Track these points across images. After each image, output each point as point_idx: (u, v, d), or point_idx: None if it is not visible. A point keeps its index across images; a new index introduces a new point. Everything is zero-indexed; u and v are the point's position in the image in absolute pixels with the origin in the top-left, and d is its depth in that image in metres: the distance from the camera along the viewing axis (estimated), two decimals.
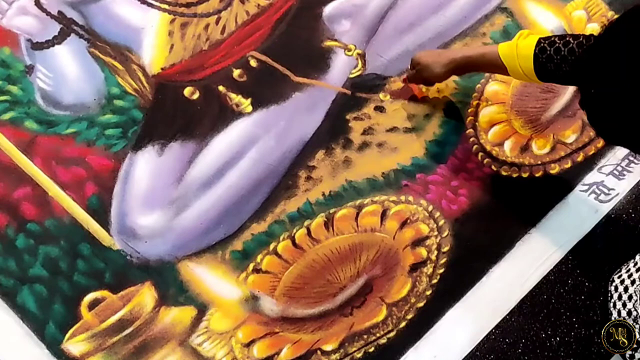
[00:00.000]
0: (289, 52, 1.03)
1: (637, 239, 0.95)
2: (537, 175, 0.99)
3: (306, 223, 0.93)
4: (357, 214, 0.94)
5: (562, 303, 0.91)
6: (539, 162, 1.00)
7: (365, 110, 1.01)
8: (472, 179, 0.98)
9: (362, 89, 1.03)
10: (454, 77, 1.02)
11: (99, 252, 0.89)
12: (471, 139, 1.01)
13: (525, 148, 1.01)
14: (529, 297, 0.91)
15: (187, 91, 1.00)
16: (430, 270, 0.92)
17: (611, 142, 0.70)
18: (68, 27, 1.01)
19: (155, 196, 0.93)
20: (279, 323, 0.88)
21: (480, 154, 1.00)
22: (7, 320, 0.84)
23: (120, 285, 0.88)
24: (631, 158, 1.00)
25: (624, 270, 0.89)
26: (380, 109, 1.02)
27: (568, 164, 1.01)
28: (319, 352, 0.87)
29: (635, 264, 0.88)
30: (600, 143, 1.02)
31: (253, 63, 1.02)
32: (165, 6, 1.04)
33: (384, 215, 0.94)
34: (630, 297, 0.85)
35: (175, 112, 0.98)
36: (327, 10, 1.07)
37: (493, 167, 0.99)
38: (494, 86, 1.04)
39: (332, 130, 0.99)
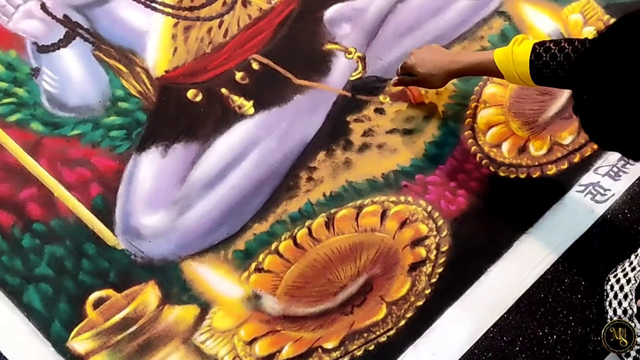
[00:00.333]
0: (290, 55, 1.04)
1: (633, 239, 0.96)
2: (534, 176, 1.00)
3: (307, 223, 0.94)
4: (358, 214, 0.95)
5: (559, 302, 0.91)
6: (536, 163, 1.01)
7: (366, 112, 1.02)
8: (471, 179, 0.98)
9: (363, 91, 1.03)
10: (453, 80, 1.02)
11: (104, 251, 0.89)
12: (469, 141, 1.01)
13: (522, 149, 1.02)
14: (526, 295, 0.91)
15: (190, 93, 1.01)
16: (430, 269, 0.93)
17: (604, 147, 0.70)
18: (73, 30, 1.01)
19: (159, 197, 0.93)
20: (281, 321, 0.88)
21: (479, 155, 1.01)
22: (13, 319, 0.85)
23: (125, 284, 0.88)
24: (627, 159, 1.01)
25: (619, 270, 0.90)
26: (380, 111, 1.03)
27: (565, 165, 1.01)
28: (320, 350, 0.87)
29: (631, 263, 0.88)
30: (596, 145, 1.01)
31: (255, 66, 1.03)
32: (169, 10, 1.05)
33: (383, 215, 0.95)
34: (625, 296, 0.85)
35: (179, 114, 0.99)
36: (328, 13, 1.07)
37: (491, 168, 1.00)
38: (492, 88, 1.05)
39: (333, 132, 1.00)
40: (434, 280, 0.92)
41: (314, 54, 1.05)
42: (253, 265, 0.91)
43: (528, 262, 0.93)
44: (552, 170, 1.01)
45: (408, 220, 0.95)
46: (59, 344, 0.84)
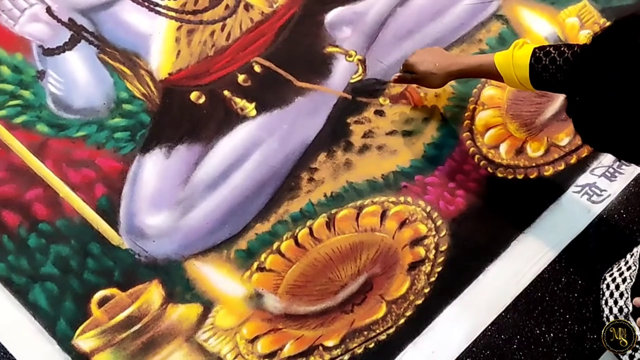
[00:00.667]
0: (291, 58, 1.04)
1: (628, 238, 0.97)
2: (531, 177, 1.01)
3: (308, 223, 0.94)
4: (358, 215, 0.96)
5: (556, 300, 0.92)
6: (534, 164, 1.01)
7: (366, 114, 1.03)
8: (469, 180, 0.99)
9: (363, 93, 1.04)
10: (451, 82, 1.03)
11: (108, 251, 0.90)
12: (468, 142, 1.02)
13: (520, 151, 1.02)
14: (523, 294, 0.92)
15: (193, 96, 1.01)
16: (429, 268, 0.93)
17: (597, 148, 0.71)
18: (78, 33, 1.02)
19: (162, 197, 0.94)
20: (282, 320, 0.89)
21: (477, 156, 1.01)
22: (19, 317, 0.85)
23: (129, 283, 0.88)
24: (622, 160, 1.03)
25: (615, 269, 0.90)
26: (380, 112, 1.03)
27: (561, 166, 1.02)
28: (320, 347, 0.88)
29: (626, 262, 0.89)
30: (588, 146, 1.03)
31: (257, 68, 1.04)
32: (173, 14, 1.05)
33: (383, 215, 0.96)
34: (621, 295, 0.86)
35: (182, 116, 0.99)
36: (329, 17, 1.08)
37: (489, 169, 1.01)
38: (490, 91, 1.06)
39: (334, 134, 1.01)
40: (433, 279, 0.93)
41: (315, 57, 1.05)
42: (255, 265, 0.92)
43: (525, 261, 0.94)
44: (549, 171, 1.01)
45: (407, 221, 0.96)
46: (65, 342, 0.85)
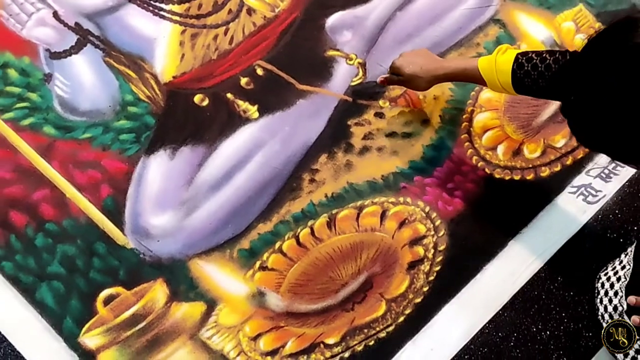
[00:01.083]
0: (293, 61, 1.05)
1: (623, 238, 0.97)
2: (528, 178, 1.01)
3: (310, 223, 0.95)
4: (358, 215, 0.96)
5: (552, 299, 0.92)
6: (530, 166, 1.02)
7: (366, 117, 1.04)
8: (467, 181, 1.00)
9: (363, 96, 1.05)
10: (450, 85, 1.04)
11: (114, 250, 0.90)
12: (466, 144, 1.03)
13: (517, 152, 1.03)
14: (520, 293, 0.92)
15: (197, 98, 1.02)
16: (427, 267, 0.94)
17: (591, 148, 0.71)
18: (84, 37, 1.02)
19: (166, 198, 0.94)
20: (284, 318, 0.90)
21: (475, 157, 1.02)
22: (26, 316, 0.86)
23: (134, 282, 0.89)
24: (617, 161, 1.02)
25: (610, 268, 0.91)
26: (379, 115, 1.04)
27: (558, 167, 1.03)
28: (321, 345, 0.88)
29: (621, 262, 0.89)
30: (582, 145, 1.04)
31: (259, 72, 1.04)
32: (177, 18, 1.06)
33: (383, 215, 0.96)
34: (616, 293, 0.86)
35: (186, 118, 1.00)
36: (330, 21, 1.09)
37: (487, 170, 1.01)
38: (488, 93, 1.06)
39: (334, 135, 1.01)
40: (431, 278, 0.93)
41: (316, 60, 1.06)
42: (257, 264, 0.92)
43: (522, 260, 0.94)
44: (545, 172, 1.02)
45: (407, 221, 0.97)
46: (71, 339, 0.86)
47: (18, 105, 0.98)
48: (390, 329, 0.90)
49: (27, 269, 0.89)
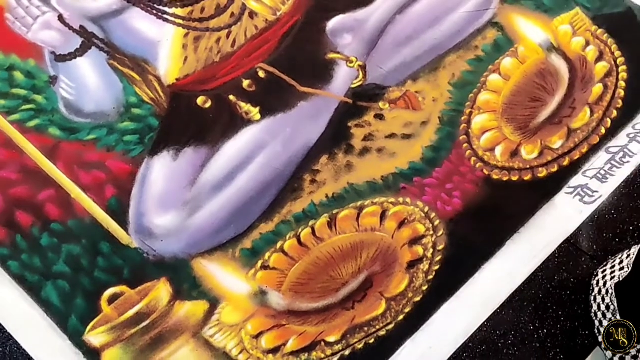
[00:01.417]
0: (294, 64, 1.06)
1: (619, 238, 0.97)
2: (525, 178, 1.02)
3: (311, 223, 0.95)
4: (358, 215, 0.97)
5: (549, 298, 0.92)
6: (528, 167, 1.02)
7: (366, 118, 1.04)
8: (466, 182, 1.00)
9: (363, 98, 1.06)
10: (448, 87, 1.05)
11: (118, 250, 0.91)
12: (464, 145, 1.03)
13: (515, 153, 1.04)
14: (518, 292, 0.92)
15: (200, 100, 1.03)
16: (427, 267, 0.94)
17: None
18: (89, 40, 1.04)
19: (170, 198, 0.95)
20: (286, 316, 0.89)
21: (473, 158, 1.03)
22: (32, 314, 0.86)
23: (138, 281, 0.89)
24: (614, 162, 1.02)
25: (608, 266, 0.90)
26: (379, 116, 1.05)
27: (555, 168, 1.03)
28: (322, 343, 0.88)
29: (621, 262, 0.89)
30: (584, 148, 1.04)
31: (261, 74, 1.05)
32: (180, 21, 1.07)
33: (383, 215, 0.97)
34: (607, 292, 0.86)
35: (189, 119, 1.01)
36: (331, 25, 1.10)
37: (485, 171, 1.02)
38: (486, 95, 1.07)
39: (335, 137, 1.02)
40: (430, 277, 0.93)
41: (317, 63, 1.07)
42: (259, 263, 0.93)
43: (520, 260, 0.94)
44: (542, 173, 1.02)
45: (406, 221, 0.97)
46: (76, 337, 0.86)
47: (24, 107, 0.99)
48: (390, 327, 0.90)
49: (32, 268, 0.90)
